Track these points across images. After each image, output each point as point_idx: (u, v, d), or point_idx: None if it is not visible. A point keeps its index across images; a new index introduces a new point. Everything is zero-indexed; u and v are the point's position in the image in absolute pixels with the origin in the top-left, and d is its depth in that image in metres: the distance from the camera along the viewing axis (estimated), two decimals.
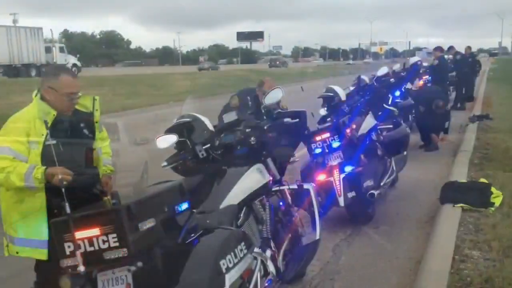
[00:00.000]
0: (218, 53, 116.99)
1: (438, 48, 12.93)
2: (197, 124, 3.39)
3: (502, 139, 9.20)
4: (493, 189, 5.64)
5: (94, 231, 2.14)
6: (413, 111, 9.85)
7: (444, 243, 4.42)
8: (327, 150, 5.17)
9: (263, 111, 3.65)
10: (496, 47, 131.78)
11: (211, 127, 3.46)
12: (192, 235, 2.53)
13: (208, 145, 3.36)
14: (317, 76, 36.37)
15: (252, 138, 3.44)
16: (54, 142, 2.78)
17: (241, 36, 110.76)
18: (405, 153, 6.51)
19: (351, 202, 5.12)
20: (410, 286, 3.92)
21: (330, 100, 6.18)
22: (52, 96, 2.96)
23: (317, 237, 3.76)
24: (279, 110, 3.77)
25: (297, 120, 3.51)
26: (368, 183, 5.16)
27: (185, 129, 3.37)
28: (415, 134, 9.94)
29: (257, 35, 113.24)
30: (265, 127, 3.46)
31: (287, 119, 3.45)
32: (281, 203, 3.77)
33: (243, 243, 2.60)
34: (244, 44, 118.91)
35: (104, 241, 2.14)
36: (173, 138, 3.27)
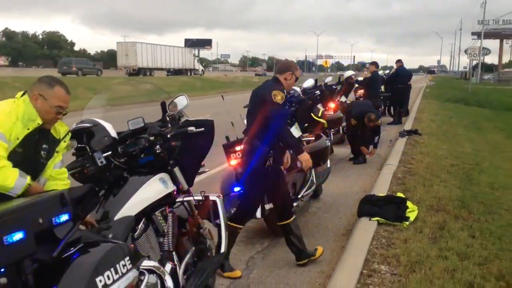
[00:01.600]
0: None
1: (374, 63, 13.25)
2: (98, 130, 3.23)
3: (427, 154, 9.48)
4: (409, 203, 5.76)
5: None
6: (344, 124, 10.01)
7: (355, 257, 4.45)
8: None
9: (167, 118, 3.54)
10: (435, 64, 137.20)
11: (113, 134, 3.31)
12: (72, 249, 2.37)
13: (110, 152, 3.21)
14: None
15: (157, 147, 3.32)
16: (21, 150, 2.72)
17: (189, 43, 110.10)
18: (328, 165, 6.55)
19: (269, 213, 5.07)
20: None
21: None
22: (39, 104, 2.82)
23: (222, 250, 3.67)
24: (187, 119, 3.67)
25: (202, 129, 3.42)
26: None
27: (84, 135, 3.21)
28: (346, 147, 10.11)
29: (205, 43, 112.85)
30: (169, 135, 3.34)
31: (191, 128, 3.35)
32: (187, 215, 3.67)
33: (127, 258, 2.46)
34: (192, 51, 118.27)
35: None
36: (71, 145, 3.11)
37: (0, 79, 24.99)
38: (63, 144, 3.04)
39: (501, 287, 3.92)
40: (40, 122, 2.83)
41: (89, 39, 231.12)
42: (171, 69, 55.81)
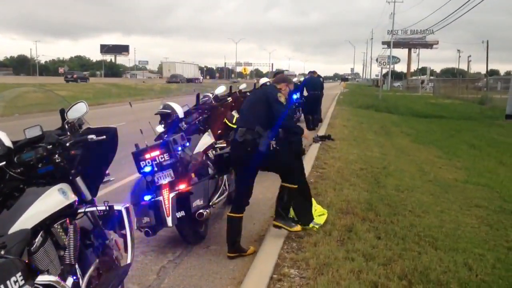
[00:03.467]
0: (80, 65, 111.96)
1: (311, 72, 13.52)
2: None
3: (338, 158, 9.80)
4: (319, 207, 5.90)
5: None
6: None
7: (265, 262, 4.50)
8: (156, 169, 5.03)
9: (67, 126, 3.41)
10: (349, 72, 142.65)
11: (8, 143, 3.12)
12: None
13: (4, 162, 3.03)
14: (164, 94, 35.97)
15: (56, 156, 3.18)
16: None
17: (105, 48, 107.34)
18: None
19: (180, 222, 5.02)
20: None
21: (167, 117, 6.07)
22: None
23: (129, 261, 3.57)
24: (89, 126, 3.54)
25: (104, 137, 3.32)
26: (198, 202, 5.09)
27: None
28: None
29: (122, 49, 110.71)
30: (68, 144, 3.21)
31: (91, 136, 3.24)
32: (91, 226, 3.54)
33: (19, 274, 2.33)
34: (109, 57, 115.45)
35: None
36: None
37: None
38: None
39: (403, 286, 4.10)
40: None
41: None
42: None
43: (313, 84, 16.15)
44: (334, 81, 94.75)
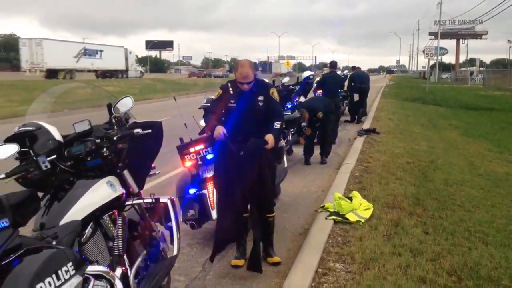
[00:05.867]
0: None
1: (331, 64, 13.35)
2: (41, 133, 3.13)
3: (384, 152, 9.63)
4: (364, 201, 5.82)
5: None
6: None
7: (310, 256, 4.46)
8: (200, 162, 5.08)
9: (114, 121, 3.47)
10: (394, 64, 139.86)
11: (58, 137, 3.21)
12: (11, 256, 2.28)
13: (54, 156, 3.12)
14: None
15: (104, 149, 3.25)
16: None
17: (150, 44, 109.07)
18: (285, 165, 6.57)
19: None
20: None
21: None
22: None
23: (175, 253, 3.62)
24: (135, 121, 3.60)
25: (149, 131, 3.37)
26: None
27: (27, 139, 3.10)
28: (299, 147, 10.09)
29: (167, 44, 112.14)
30: (115, 138, 3.28)
31: (137, 130, 3.29)
32: (138, 218, 3.60)
33: (70, 264, 2.40)
34: (154, 53, 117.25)
35: None
36: (13, 148, 2.98)
37: None
38: None
39: (452, 282, 4.00)
40: None
41: None
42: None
43: (360, 77, 15.94)
44: (378, 74, 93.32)
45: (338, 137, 11.73)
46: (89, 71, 49.13)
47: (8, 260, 2.26)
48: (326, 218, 5.44)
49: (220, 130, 4.38)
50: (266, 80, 9.06)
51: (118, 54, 52.97)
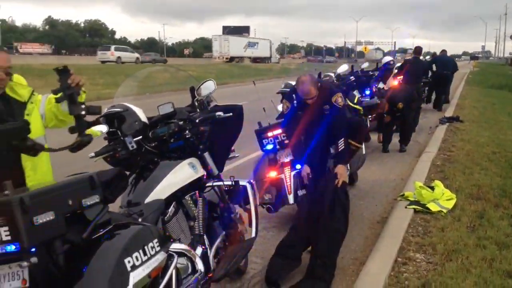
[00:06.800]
0: (203, 46, 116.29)
1: (416, 49, 12.85)
2: (128, 115, 3.25)
3: (468, 141, 9.21)
4: (446, 191, 5.60)
5: None
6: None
7: (390, 244, 4.36)
8: (278, 147, 5.08)
9: (196, 103, 3.54)
10: (479, 50, 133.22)
11: (144, 119, 3.33)
12: (101, 230, 2.40)
13: (140, 137, 3.23)
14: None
15: (187, 131, 3.32)
16: None
17: (226, 30, 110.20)
18: (363, 151, 6.44)
19: (301, 199, 5.03)
20: None
21: (288, 96, 6.08)
22: None
23: (253, 235, 3.66)
24: (216, 104, 3.66)
25: (230, 114, 3.40)
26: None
27: (115, 120, 3.23)
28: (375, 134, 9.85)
29: (243, 30, 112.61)
30: (197, 120, 3.34)
31: (219, 113, 3.33)
32: (217, 199, 3.67)
33: (155, 240, 2.47)
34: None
35: None
36: (102, 128, 3.13)
37: (43, 66, 25.64)
38: (30, 106, 2.95)
39: None
40: None
41: (129, 27, 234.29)
42: None
43: (443, 62, 15.22)
44: (460, 60, 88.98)
45: (418, 125, 11.35)
46: (249, 58, 65.13)
47: (99, 234, 2.37)
48: (406, 207, 5.29)
49: (307, 171, 4.57)
50: (346, 66, 8.95)
51: (266, 45, 71.50)
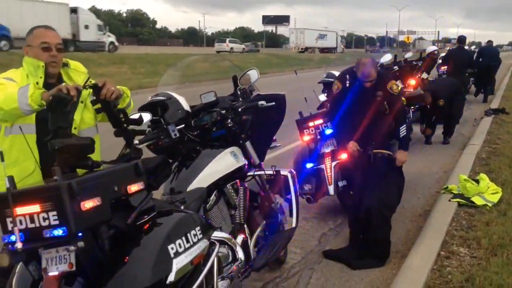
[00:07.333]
0: (243, 35, 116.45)
1: (460, 39, 12.51)
2: (172, 103, 3.28)
3: None
4: (492, 185, 5.45)
5: (34, 208, 2.06)
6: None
7: (433, 238, 4.28)
8: (319, 137, 5.04)
9: (239, 92, 3.53)
10: None
11: (187, 107, 3.35)
12: (146, 216, 2.43)
13: (183, 125, 3.26)
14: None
15: (229, 120, 3.33)
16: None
17: (267, 19, 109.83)
18: None
19: (342, 191, 4.99)
20: (389, 281, 3.80)
21: (330, 86, 6.02)
22: (30, 53, 2.86)
23: (294, 225, 3.65)
24: (259, 93, 3.64)
25: (273, 103, 3.38)
26: None
27: (159, 108, 3.27)
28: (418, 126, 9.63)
29: (283, 19, 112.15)
30: (240, 109, 3.34)
31: (261, 102, 3.32)
32: (258, 189, 3.67)
33: (198, 228, 2.50)
34: (270, 28, 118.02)
35: (44, 219, 2.06)
36: (146, 117, 3.16)
37: (87, 56, 26.19)
38: (85, 93, 2.87)
39: None
40: (43, 64, 2.81)
41: (170, 16, 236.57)
42: None
43: (490, 53, 14.77)
44: (502, 50, 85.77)
45: (462, 117, 11.05)
46: (318, 48, 68.55)
47: (143, 220, 2.40)
48: (449, 200, 5.17)
49: (354, 147, 4.45)
50: (389, 55, 8.77)
51: (333, 37, 77.26)
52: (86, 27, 35.90)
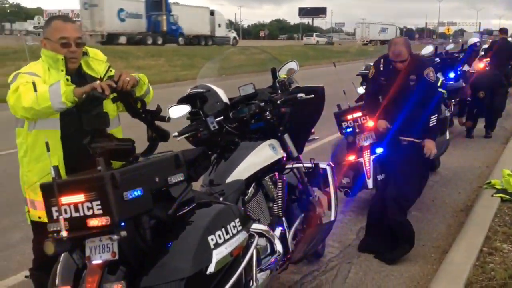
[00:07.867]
0: (278, 28, 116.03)
1: (502, 30, 12.12)
2: (210, 95, 3.29)
3: None
4: None
5: (79, 197, 2.10)
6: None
7: (475, 233, 4.18)
8: (358, 130, 4.97)
9: (277, 85, 3.51)
10: None
11: (225, 99, 3.35)
12: (185, 207, 2.45)
13: (221, 117, 3.27)
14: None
15: (267, 113, 3.31)
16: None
17: (303, 11, 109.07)
18: (447, 137, 6.19)
19: (381, 184, 4.91)
20: (430, 276, 3.73)
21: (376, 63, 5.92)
22: (48, 46, 2.73)
23: (332, 219, 3.61)
24: (297, 85, 3.61)
25: (312, 96, 3.34)
26: None
27: (198, 100, 3.28)
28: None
29: (320, 11, 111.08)
30: (278, 102, 3.32)
31: (300, 95, 3.28)
32: (297, 182, 3.65)
33: (237, 220, 2.50)
34: (306, 20, 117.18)
35: (88, 208, 2.10)
36: (185, 109, 3.18)
37: (122, 48, 26.58)
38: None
39: None
40: (63, 57, 2.70)
41: None
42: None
43: None
44: None
45: (505, 110, 10.73)
46: (380, 40, 68.64)
47: (183, 211, 2.43)
48: (492, 195, 5.04)
49: (383, 125, 4.30)
50: (431, 47, 8.56)
51: (393, 30, 77.68)
52: (219, 25, 44.55)
